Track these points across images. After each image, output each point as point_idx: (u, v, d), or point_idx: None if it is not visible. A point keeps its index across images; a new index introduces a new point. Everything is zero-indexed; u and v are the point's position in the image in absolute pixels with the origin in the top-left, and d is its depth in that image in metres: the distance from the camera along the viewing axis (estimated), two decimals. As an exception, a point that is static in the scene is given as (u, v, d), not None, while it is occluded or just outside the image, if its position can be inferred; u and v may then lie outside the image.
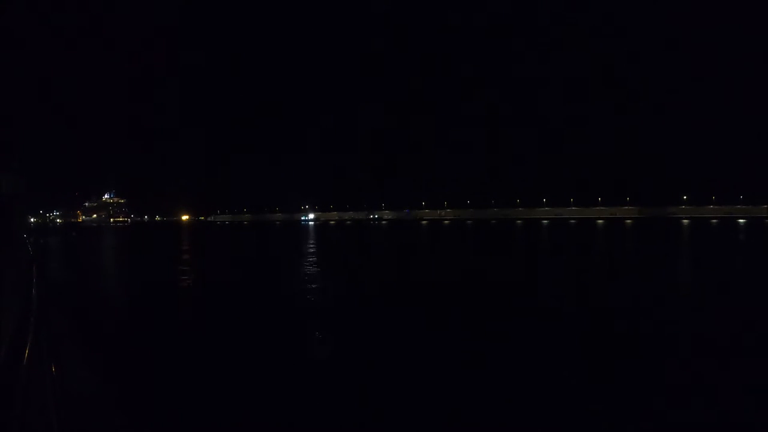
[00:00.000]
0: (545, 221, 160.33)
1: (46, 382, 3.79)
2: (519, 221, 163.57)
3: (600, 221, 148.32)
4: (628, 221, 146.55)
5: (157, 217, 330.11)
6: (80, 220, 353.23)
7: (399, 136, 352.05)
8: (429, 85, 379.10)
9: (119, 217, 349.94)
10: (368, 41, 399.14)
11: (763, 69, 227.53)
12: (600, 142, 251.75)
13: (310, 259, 43.16)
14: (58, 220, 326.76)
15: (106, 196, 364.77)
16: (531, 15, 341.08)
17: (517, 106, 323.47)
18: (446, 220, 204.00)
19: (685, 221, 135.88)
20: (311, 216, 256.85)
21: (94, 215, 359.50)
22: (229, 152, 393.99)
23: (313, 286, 26.85)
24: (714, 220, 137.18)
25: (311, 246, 63.45)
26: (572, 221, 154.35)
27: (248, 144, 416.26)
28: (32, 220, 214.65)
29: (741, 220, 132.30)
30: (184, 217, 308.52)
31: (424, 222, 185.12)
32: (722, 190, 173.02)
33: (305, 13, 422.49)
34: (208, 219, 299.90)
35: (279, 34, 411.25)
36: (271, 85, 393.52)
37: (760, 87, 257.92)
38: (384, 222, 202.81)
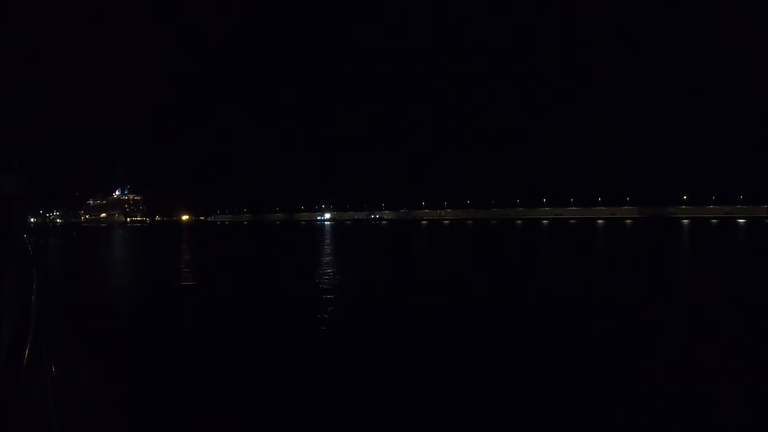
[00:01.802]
0: (545, 221, 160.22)
1: (46, 382, 3.79)
2: (519, 221, 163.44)
3: (600, 221, 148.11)
4: (628, 221, 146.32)
5: (157, 217, 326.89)
6: (83, 220, 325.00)
7: (398, 136, 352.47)
8: (427, 85, 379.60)
9: (137, 217, 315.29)
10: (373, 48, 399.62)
11: (763, 69, 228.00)
12: (600, 143, 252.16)
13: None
14: (58, 221, 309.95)
15: (117, 193, 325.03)
16: (530, 16, 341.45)
17: (517, 106, 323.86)
18: (446, 220, 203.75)
19: (685, 221, 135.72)
20: (326, 215, 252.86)
21: (102, 214, 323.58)
22: (230, 153, 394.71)
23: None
24: (714, 220, 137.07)
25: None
26: (572, 221, 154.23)
27: (249, 144, 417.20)
28: (32, 220, 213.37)
29: (741, 220, 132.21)
30: (184, 217, 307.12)
31: (424, 222, 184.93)
32: (722, 190, 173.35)
33: (304, 14, 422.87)
34: (208, 219, 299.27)
35: (282, 35, 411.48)
36: (271, 86, 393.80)
37: (759, 87, 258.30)
38: (384, 222, 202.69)
